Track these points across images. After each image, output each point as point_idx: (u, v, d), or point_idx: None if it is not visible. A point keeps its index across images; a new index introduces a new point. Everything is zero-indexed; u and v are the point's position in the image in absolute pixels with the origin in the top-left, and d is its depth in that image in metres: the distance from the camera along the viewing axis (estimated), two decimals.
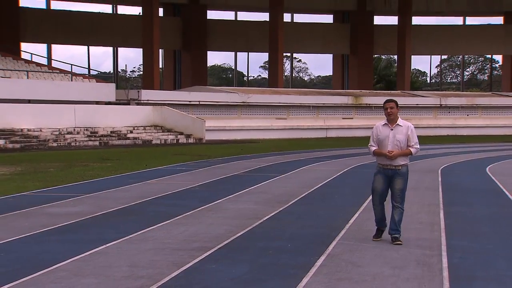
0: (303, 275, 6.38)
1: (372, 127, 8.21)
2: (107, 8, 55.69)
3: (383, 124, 8.00)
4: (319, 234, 8.48)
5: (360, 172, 17.25)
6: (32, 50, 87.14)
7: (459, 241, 8.17)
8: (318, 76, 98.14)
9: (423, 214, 10.21)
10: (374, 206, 8.09)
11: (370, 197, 7.79)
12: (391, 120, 7.92)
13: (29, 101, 31.27)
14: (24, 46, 49.65)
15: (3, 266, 6.75)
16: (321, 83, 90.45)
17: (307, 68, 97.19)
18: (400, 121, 7.95)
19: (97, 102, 34.44)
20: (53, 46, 54.18)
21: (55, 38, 51.61)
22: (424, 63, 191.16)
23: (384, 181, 7.91)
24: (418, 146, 7.99)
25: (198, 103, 38.54)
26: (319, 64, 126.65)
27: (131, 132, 33.07)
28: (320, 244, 7.84)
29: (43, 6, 52.75)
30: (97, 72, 49.63)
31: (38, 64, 37.74)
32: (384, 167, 7.91)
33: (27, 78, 32.83)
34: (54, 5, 53.83)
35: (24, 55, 42.13)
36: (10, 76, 32.40)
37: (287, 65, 74.47)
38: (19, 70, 33.81)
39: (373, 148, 8.01)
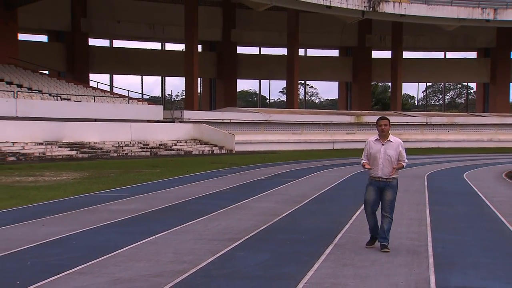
0: (315, 261, 6.35)
1: None
2: (157, 46, 56.17)
3: (375, 140, 7.06)
4: (328, 228, 8.44)
5: (361, 177, 17.09)
6: (98, 79, 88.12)
7: (442, 234, 8.08)
8: (327, 99, 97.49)
9: (412, 212, 10.11)
10: (366, 216, 7.15)
11: None
12: (383, 136, 7.00)
13: (95, 120, 31.61)
14: (92, 76, 50.26)
15: (75, 251, 6.83)
16: (329, 105, 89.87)
17: (317, 93, 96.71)
18: (391, 137, 7.03)
19: (149, 121, 34.68)
20: (115, 76, 54.63)
21: (116, 69, 52.13)
22: (413, 89, 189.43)
23: (376, 192, 6.98)
24: (407, 161, 7.23)
25: (229, 121, 38.59)
26: (327, 90, 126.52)
27: (175, 144, 33.21)
28: (329, 236, 7.80)
29: (107, 44, 53.34)
30: (149, 97, 49.88)
31: (102, 91, 38.13)
32: (375, 180, 6.98)
33: (94, 101, 33.23)
34: (116, 44, 54.28)
35: (91, 83, 42.63)
36: (81, 100, 32.83)
37: (301, 90, 74.11)
38: (88, 95, 34.22)
39: (362, 162, 7.15)
